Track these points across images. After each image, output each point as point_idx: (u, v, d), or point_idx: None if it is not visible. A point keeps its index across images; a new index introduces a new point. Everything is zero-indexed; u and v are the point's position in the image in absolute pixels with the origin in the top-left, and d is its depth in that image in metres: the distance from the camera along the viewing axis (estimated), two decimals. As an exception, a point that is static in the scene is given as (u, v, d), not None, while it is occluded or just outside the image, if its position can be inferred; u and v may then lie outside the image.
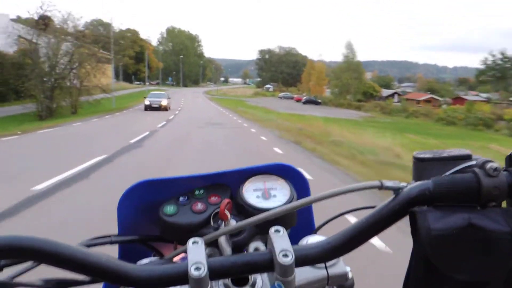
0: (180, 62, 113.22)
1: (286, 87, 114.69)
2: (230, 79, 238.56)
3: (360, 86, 54.71)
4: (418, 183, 0.40)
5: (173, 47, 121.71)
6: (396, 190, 0.41)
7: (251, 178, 0.61)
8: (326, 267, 0.48)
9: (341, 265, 0.49)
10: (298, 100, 63.07)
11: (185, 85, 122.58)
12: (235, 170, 0.61)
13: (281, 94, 74.50)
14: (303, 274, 0.47)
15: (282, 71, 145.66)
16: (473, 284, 0.38)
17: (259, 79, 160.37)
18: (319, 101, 58.35)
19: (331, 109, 48.65)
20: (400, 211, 0.40)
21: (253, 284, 0.48)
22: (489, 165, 0.37)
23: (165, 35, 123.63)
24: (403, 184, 0.41)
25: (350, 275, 0.49)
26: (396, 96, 60.03)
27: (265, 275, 0.49)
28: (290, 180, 0.61)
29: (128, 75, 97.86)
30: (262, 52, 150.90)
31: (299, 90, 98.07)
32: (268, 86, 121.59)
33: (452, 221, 0.37)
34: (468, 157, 0.42)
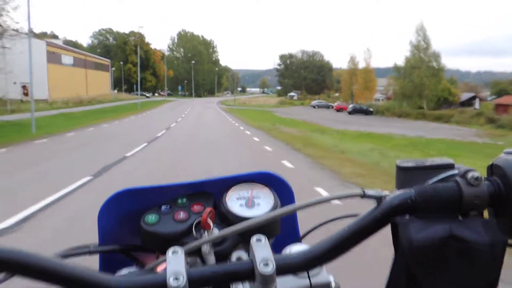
0: (191, 69, 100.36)
1: (311, 95, 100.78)
2: (247, 89, 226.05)
3: (437, 87, 39.30)
4: (400, 191, 0.40)
5: (185, 53, 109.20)
6: (379, 199, 0.41)
7: (235, 186, 0.60)
8: (308, 276, 0.48)
9: (324, 274, 0.48)
10: (339, 109, 48.72)
11: (198, 95, 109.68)
12: (218, 179, 0.60)
13: (314, 102, 60.16)
14: (285, 283, 0.46)
15: (305, 77, 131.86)
16: None
17: (279, 88, 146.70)
18: (371, 109, 43.78)
19: (396, 121, 34.21)
20: (382, 220, 0.40)
21: None
22: (470, 175, 0.38)
23: (176, 40, 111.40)
24: (385, 192, 0.41)
25: (333, 285, 0.49)
26: (477, 101, 44.54)
27: (247, 284, 0.48)
28: (274, 188, 0.61)
29: (131, 84, 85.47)
30: (283, 57, 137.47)
31: (329, 97, 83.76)
32: (292, 94, 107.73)
33: (433, 231, 0.37)
34: (450, 166, 0.42)
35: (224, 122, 24.78)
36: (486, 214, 0.39)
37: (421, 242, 0.36)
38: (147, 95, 74.40)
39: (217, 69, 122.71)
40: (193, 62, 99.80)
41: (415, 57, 40.57)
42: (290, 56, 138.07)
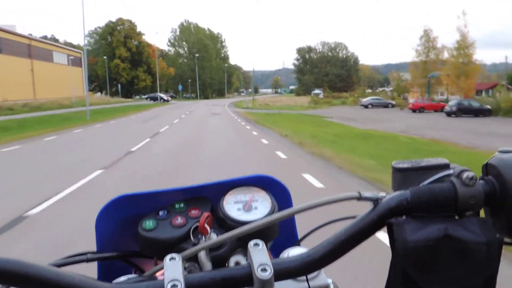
0: (196, 65, 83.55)
1: (337, 92, 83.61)
2: (259, 90, 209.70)
3: None
4: (396, 193, 0.40)
5: (189, 47, 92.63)
6: (375, 201, 0.41)
7: (232, 190, 0.60)
8: (307, 280, 0.48)
9: (322, 278, 0.48)
10: (418, 109, 31.42)
11: (205, 97, 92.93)
12: (215, 183, 0.60)
13: (366, 100, 42.74)
14: (284, 287, 0.46)
15: (327, 72, 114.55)
16: None
17: (292, 87, 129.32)
18: (487, 107, 26.34)
19: None
20: (379, 222, 0.40)
21: None
22: (465, 175, 0.38)
23: (178, 33, 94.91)
24: (381, 194, 0.42)
25: (332, 287, 0.49)
26: None
27: None
28: (271, 191, 0.60)
29: (122, 86, 68.60)
30: (301, 51, 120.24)
31: (370, 93, 66.31)
32: (317, 91, 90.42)
33: (428, 232, 0.37)
34: (446, 166, 0.42)
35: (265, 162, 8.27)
36: (482, 214, 0.39)
37: (416, 243, 0.36)
38: (165, 97, 58.42)
39: (226, 65, 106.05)
40: (197, 55, 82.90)
41: None
42: (309, 49, 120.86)
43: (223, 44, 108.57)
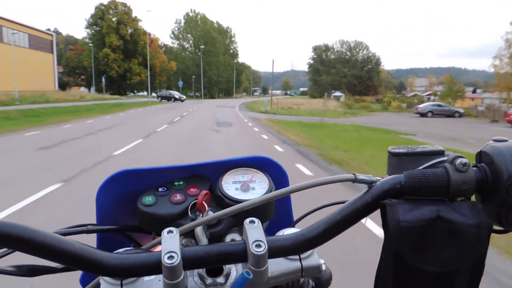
0: (201, 59, 73.29)
1: (358, 95, 73.42)
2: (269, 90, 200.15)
3: None
4: (390, 177, 0.41)
5: (195, 41, 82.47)
6: (369, 184, 0.42)
7: (231, 170, 0.60)
8: (300, 259, 0.48)
9: (315, 257, 0.49)
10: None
11: (211, 96, 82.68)
12: (215, 162, 0.61)
13: (425, 107, 32.19)
14: (277, 265, 0.47)
15: (345, 74, 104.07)
16: (440, 274, 0.39)
17: (302, 89, 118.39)
18: None
19: None
20: (372, 204, 0.40)
21: (227, 275, 0.48)
22: (458, 161, 0.38)
23: (182, 24, 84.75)
24: (376, 178, 0.42)
25: (323, 267, 0.49)
26: None
27: (239, 266, 0.49)
28: (269, 173, 0.61)
29: (113, 80, 57.98)
30: (317, 49, 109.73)
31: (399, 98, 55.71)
32: (337, 93, 79.86)
33: (420, 213, 0.37)
34: (440, 153, 0.43)
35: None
36: (473, 199, 0.40)
37: (408, 223, 0.37)
38: (177, 96, 47.50)
39: (236, 61, 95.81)
40: (202, 47, 72.58)
41: None
42: (326, 48, 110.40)
43: (233, 39, 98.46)
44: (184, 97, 47.18)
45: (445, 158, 0.41)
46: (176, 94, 47.79)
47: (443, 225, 0.37)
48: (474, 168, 0.39)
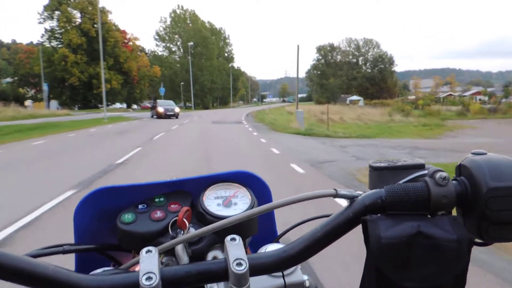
0: (190, 63, 60.56)
1: (370, 100, 61.90)
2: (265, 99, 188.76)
3: None
4: (371, 191, 0.41)
5: (183, 41, 69.98)
6: (351, 199, 0.41)
7: (212, 186, 0.60)
8: (283, 276, 0.48)
9: (298, 274, 0.48)
10: None
11: (204, 106, 69.85)
12: (196, 178, 0.60)
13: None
14: (260, 283, 0.46)
15: (354, 76, 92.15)
16: None
17: (301, 95, 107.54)
18: None
19: None
20: (354, 219, 0.40)
21: None
22: (438, 175, 0.38)
23: (168, 22, 72.33)
24: (358, 192, 0.42)
25: (307, 284, 0.49)
26: None
27: (221, 285, 0.48)
28: (252, 188, 0.60)
29: (75, 90, 44.01)
30: (322, 49, 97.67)
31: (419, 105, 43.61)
32: (355, 97, 67.50)
33: (401, 229, 0.37)
34: (421, 166, 0.42)
35: None
36: (454, 213, 0.40)
37: (389, 239, 0.37)
38: (170, 110, 26.81)
39: (231, 64, 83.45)
40: (191, 43, 59.71)
41: None
42: (332, 48, 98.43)
43: (227, 41, 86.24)
44: (178, 111, 27.71)
45: (426, 171, 0.41)
46: (171, 106, 27.82)
47: (424, 240, 0.37)
48: (454, 181, 0.39)
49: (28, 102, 36.08)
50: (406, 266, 0.37)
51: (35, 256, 0.50)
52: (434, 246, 0.37)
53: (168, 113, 26.42)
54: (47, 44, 44.45)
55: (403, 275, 0.37)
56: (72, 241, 0.57)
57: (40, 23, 45.02)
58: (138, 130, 16.71)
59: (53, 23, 44.58)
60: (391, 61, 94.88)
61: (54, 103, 47.21)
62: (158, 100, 30.88)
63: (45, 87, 34.72)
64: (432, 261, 0.37)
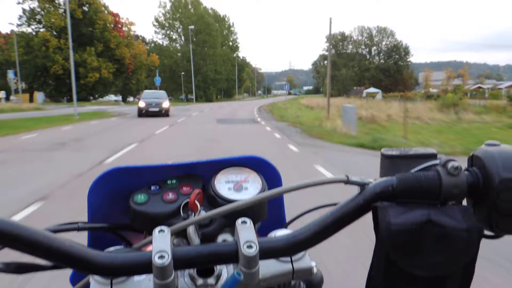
0: (191, 51, 55.00)
1: (388, 93, 56.56)
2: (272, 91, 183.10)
3: None
4: (383, 179, 0.40)
5: (184, 28, 64.37)
6: (362, 185, 0.41)
7: (224, 170, 0.60)
8: (291, 261, 0.48)
9: (306, 260, 0.49)
10: None
11: (207, 99, 64.34)
12: (208, 161, 0.61)
13: None
14: (268, 267, 0.46)
15: (366, 67, 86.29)
16: (431, 279, 0.39)
17: (306, 87, 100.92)
18: None
19: None
20: (364, 206, 0.40)
21: (218, 276, 0.48)
22: (450, 164, 0.38)
23: (168, 8, 66.63)
24: (369, 179, 0.42)
25: (315, 270, 0.49)
26: None
27: (231, 267, 0.49)
28: (263, 173, 0.61)
29: (60, 80, 38.55)
30: (332, 39, 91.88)
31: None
32: (372, 89, 61.80)
33: (412, 216, 0.37)
34: (433, 156, 0.43)
35: None
36: (464, 203, 0.40)
37: (399, 226, 0.37)
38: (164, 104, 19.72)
39: (236, 54, 77.83)
40: (191, 27, 54.14)
41: None
42: (343, 37, 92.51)
43: (232, 29, 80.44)
44: (166, 103, 20.17)
45: (437, 161, 0.41)
46: (158, 98, 20.58)
47: (434, 229, 0.37)
48: (466, 172, 0.39)
49: (1, 94, 30.71)
50: (415, 254, 0.37)
51: (53, 231, 0.51)
52: (443, 234, 0.37)
53: (151, 109, 19.11)
54: (26, 29, 38.97)
55: (412, 262, 0.38)
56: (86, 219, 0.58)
57: (19, 3, 39.36)
58: (96, 137, 10.69)
59: (34, 4, 39.02)
60: (406, 51, 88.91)
61: (40, 95, 42.04)
62: (145, 91, 23.47)
63: (11, 74, 29.09)
64: (441, 250, 0.37)
